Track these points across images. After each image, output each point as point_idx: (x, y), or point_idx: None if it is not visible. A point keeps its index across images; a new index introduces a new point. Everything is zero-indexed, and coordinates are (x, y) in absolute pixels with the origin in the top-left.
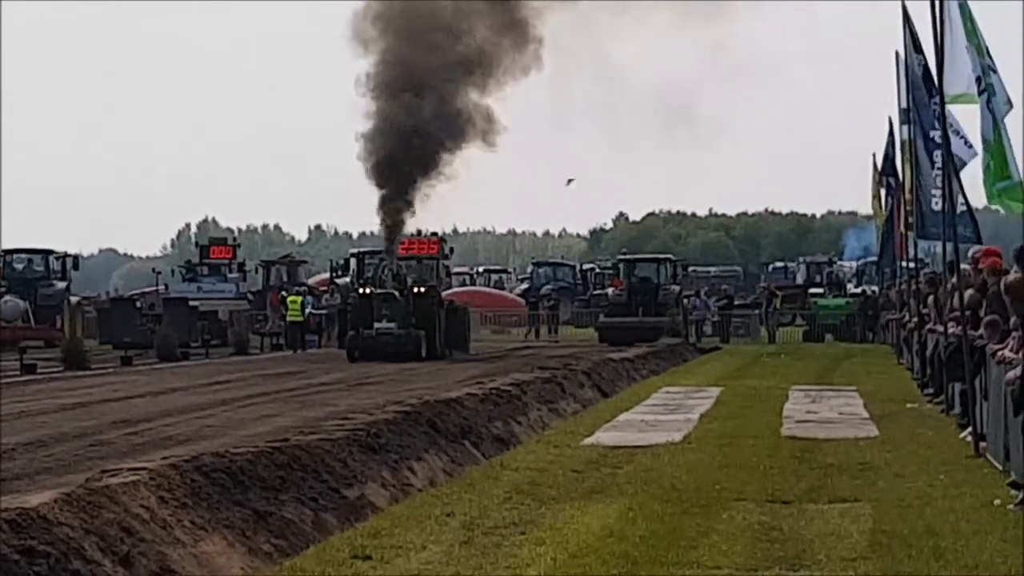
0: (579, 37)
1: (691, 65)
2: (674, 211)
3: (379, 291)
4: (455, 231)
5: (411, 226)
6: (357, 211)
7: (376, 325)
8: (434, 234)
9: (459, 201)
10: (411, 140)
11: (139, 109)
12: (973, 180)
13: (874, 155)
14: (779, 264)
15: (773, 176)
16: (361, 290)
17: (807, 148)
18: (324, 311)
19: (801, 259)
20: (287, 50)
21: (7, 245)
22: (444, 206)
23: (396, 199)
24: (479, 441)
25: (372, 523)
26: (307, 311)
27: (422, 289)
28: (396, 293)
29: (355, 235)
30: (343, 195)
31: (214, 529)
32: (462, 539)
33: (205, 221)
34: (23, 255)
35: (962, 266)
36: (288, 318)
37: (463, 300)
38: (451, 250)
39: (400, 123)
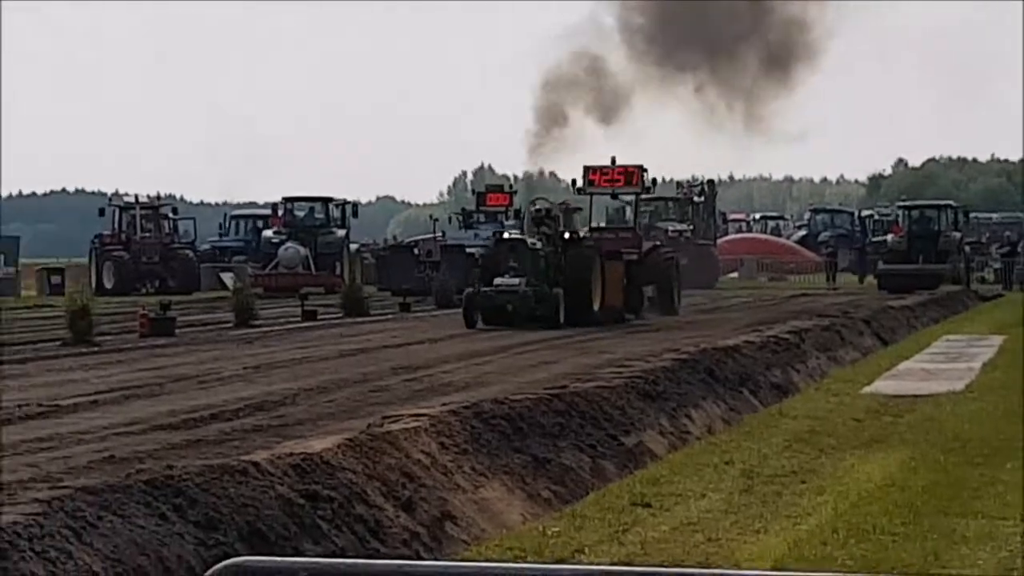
0: None
1: (972, 7)
2: (955, 156)
3: (511, 236)
4: (731, 178)
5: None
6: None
7: (496, 280)
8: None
9: (734, 147)
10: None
11: (417, 58)
12: None
13: None
14: None
15: None
16: (505, 235)
17: None
18: None
19: None
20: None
21: (289, 193)
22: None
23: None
24: (757, 389)
25: (651, 471)
26: None
27: (574, 235)
28: (531, 241)
29: None
30: None
31: (493, 475)
32: (742, 487)
33: (481, 168)
34: (304, 203)
35: None
36: None
37: (741, 248)
38: (691, 190)
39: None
